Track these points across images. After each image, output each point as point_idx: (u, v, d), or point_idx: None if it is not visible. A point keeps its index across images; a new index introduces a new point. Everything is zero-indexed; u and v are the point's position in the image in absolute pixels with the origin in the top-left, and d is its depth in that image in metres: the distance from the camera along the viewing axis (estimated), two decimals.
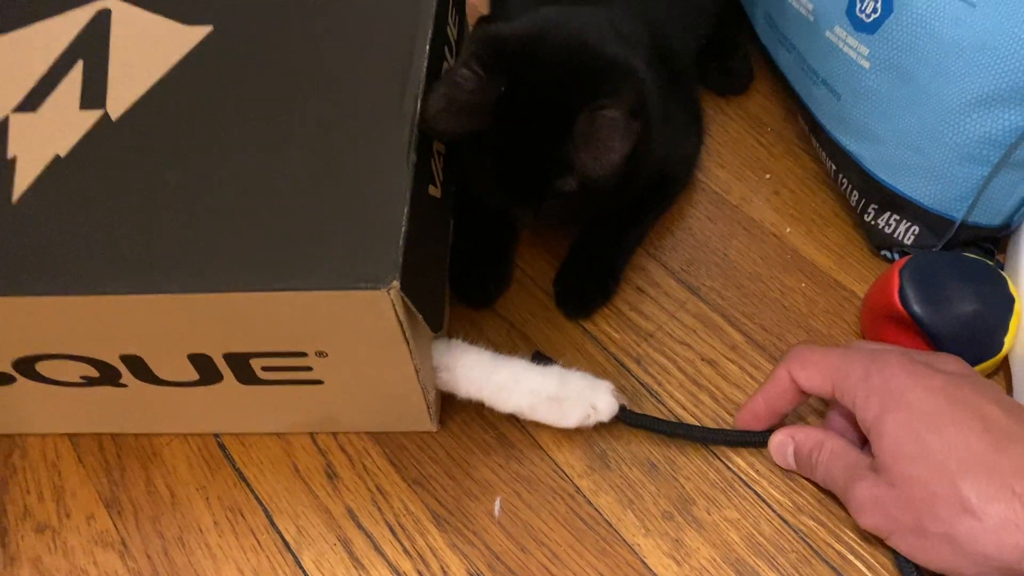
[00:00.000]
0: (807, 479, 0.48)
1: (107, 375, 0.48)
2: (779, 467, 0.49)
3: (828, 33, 0.54)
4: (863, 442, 0.44)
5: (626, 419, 0.50)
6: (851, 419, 0.44)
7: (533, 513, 0.49)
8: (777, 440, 0.48)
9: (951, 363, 0.44)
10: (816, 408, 0.51)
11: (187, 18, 0.52)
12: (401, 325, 0.43)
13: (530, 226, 0.59)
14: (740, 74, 0.66)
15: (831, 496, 0.48)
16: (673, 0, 0.59)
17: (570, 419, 0.49)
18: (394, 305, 0.42)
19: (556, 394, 0.49)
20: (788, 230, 0.59)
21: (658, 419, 0.50)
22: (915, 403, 0.40)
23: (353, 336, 0.45)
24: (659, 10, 0.58)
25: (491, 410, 0.52)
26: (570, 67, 0.48)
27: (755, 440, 0.49)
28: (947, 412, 0.40)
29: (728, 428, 0.51)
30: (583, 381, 0.50)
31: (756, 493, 0.49)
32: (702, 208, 0.61)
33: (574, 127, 0.46)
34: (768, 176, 0.62)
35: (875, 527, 0.42)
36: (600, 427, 0.51)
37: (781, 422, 0.49)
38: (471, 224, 0.58)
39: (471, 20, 0.69)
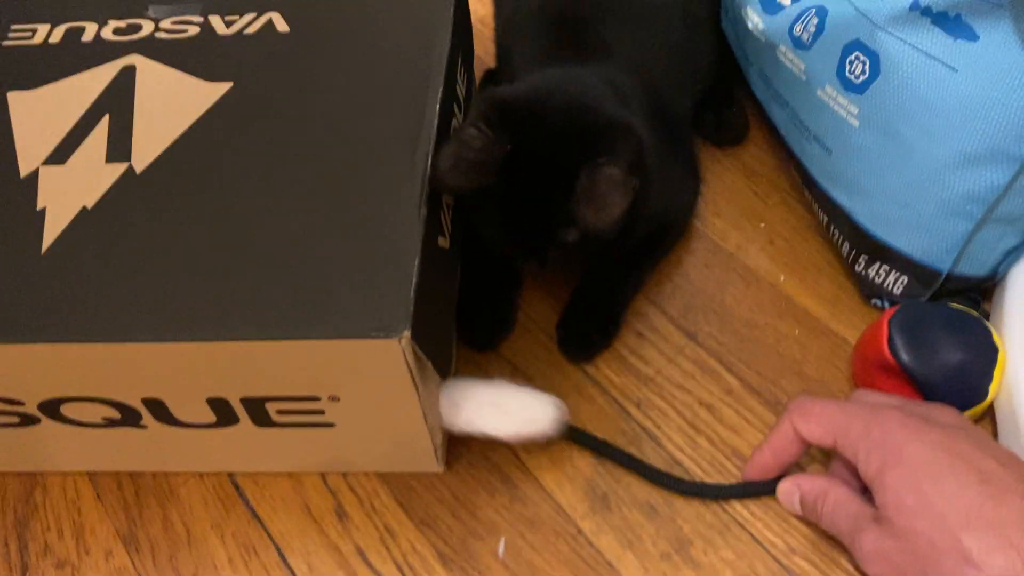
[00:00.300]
0: (807, 521, 0.50)
1: (128, 417, 0.50)
2: (772, 509, 0.51)
3: (819, 92, 0.56)
4: (865, 488, 0.46)
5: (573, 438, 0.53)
6: (853, 468, 0.46)
7: (536, 553, 0.51)
8: (784, 488, 0.50)
9: (947, 415, 0.46)
10: (815, 456, 0.53)
11: (208, 75, 0.55)
12: (411, 372, 0.45)
13: (535, 272, 0.61)
14: (736, 126, 0.69)
15: (824, 538, 0.49)
16: (670, 59, 0.62)
17: (509, 427, 0.51)
18: (404, 353, 0.44)
19: (498, 402, 0.51)
20: (782, 278, 0.61)
21: (678, 479, 0.52)
22: (914, 457, 0.42)
23: (365, 382, 0.47)
24: (657, 68, 0.61)
25: (496, 452, 0.54)
26: (571, 126, 0.50)
27: (765, 490, 0.51)
28: (945, 465, 0.42)
29: (736, 483, 0.52)
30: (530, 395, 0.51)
31: (751, 535, 0.50)
32: (699, 256, 0.63)
33: (576, 183, 0.48)
34: (763, 225, 0.64)
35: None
36: (601, 469, 0.53)
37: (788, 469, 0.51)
38: (477, 270, 0.60)
39: (478, 73, 0.72)
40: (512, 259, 0.56)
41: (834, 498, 0.47)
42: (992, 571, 0.39)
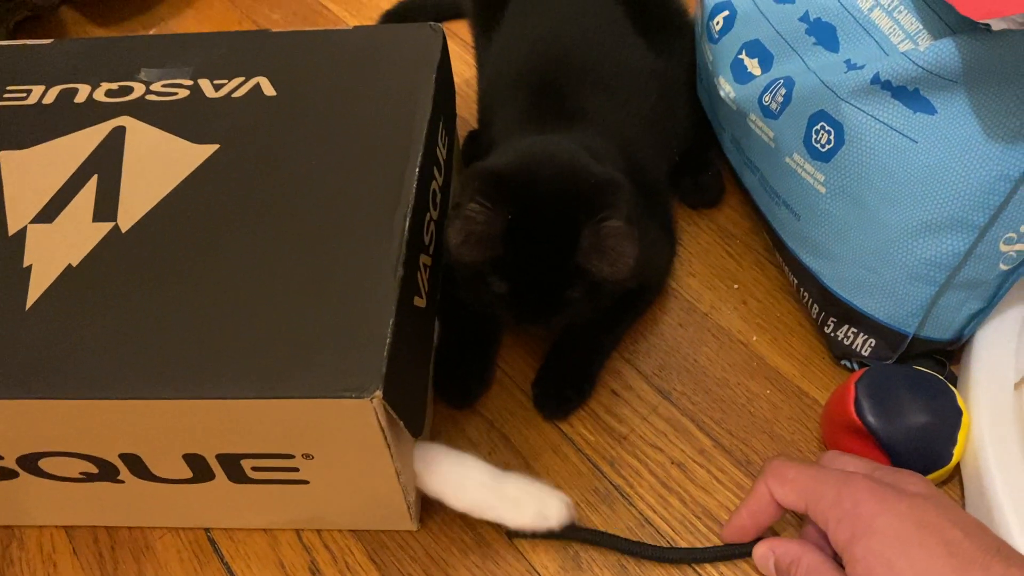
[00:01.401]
0: None
1: (106, 472, 0.51)
2: (742, 571, 0.51)
3: (788, 159, 0.58)
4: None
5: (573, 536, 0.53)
6: (825, 533, 0.47)
7: None
8: (760, 552, 0.50)
9: (914, 483, 0.47)
10: (790, 520, 0.53)
11: (196, 137, 0.57)
12: (383, 431, 0.46)
13: (535, 333, 0.62)
14: (711, 189, 0.70)
15: None
16: (646, 124, 0.64)
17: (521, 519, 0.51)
18: (376, 413, 0.45)
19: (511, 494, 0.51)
20: (755, 338, 0.62)
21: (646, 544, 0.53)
22: (884, 529, 0.43)
23: (338, 441, 0.47)
24: (633, 133, 0.62)
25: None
26: (566, 189, 0.52)
27: (741, 552, 0.52)
28: (914, 537, 0.42)
29: (712, 546, 0.53)
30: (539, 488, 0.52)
31: None
32: (674, 315, 0.64)
33: (580, 240, 0.51)
34: (736, 286, 0.65)
35: None
36: None
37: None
38: (455, 328, 0.61)
39: (461, 133, 0.74)
40: (519, 324, 0.57)
41: (807, 564, 0.47)
42: None
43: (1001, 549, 0.42)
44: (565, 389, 0.60)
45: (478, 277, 0.54)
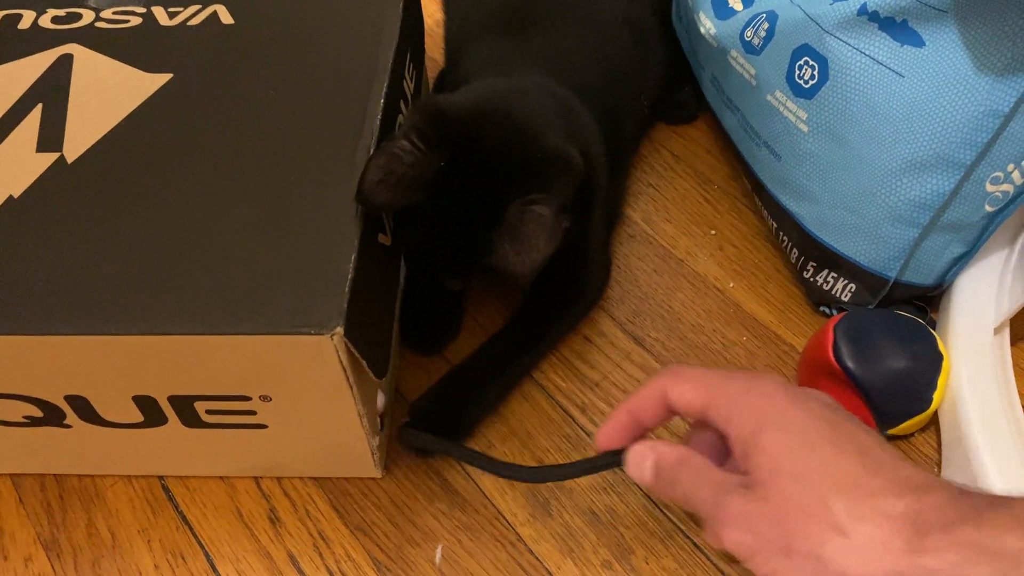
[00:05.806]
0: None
1: (51, 415, 0.48)
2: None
3: (769, 97, 0.56)
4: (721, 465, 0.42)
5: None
6: (711, 447, 0.43)
7: (474, 560, 0.50)
8: (638, 451, 0.43)
9: (827, 397, 0.44)
10: None
11: (148, 66, 0.54)
12: (345, 371, 0.44)
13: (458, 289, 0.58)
14: (688, 105, 0.69)
15: None
16: (621, 68, 0.62)
17: None
18: (338, 351, 0.42)
19: None
20: (731, 285, 0.61)
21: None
22: (794, 422, 0.40)
23: (297, 381, 0.45)
24: (608, 76, 0.60)
25: (437, 457, 0.53)
26: (508, 153, 0.48)
27: (612, 462, 0.43)
28: (825, 434, 0.40)
29: (581, 460, 0.45)
30: None
31: (693, 543, 0.50)
32: (649, 261, 0.62)
33: (504, 217, 0.46)
34: (713, 232, 0.64)
35: (740, 545, 0.39)
36: None
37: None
38: (422, 273, 0.59)
39: (432, 74, 0.71)
40: (436, 275, 0.54)
41: (696, 464, 0.42)
42: (859, 538, 0.37)
43: (908, 461, 0.40)
44: (440, 419, 0.53)
45: (402, 218, 0.50)
